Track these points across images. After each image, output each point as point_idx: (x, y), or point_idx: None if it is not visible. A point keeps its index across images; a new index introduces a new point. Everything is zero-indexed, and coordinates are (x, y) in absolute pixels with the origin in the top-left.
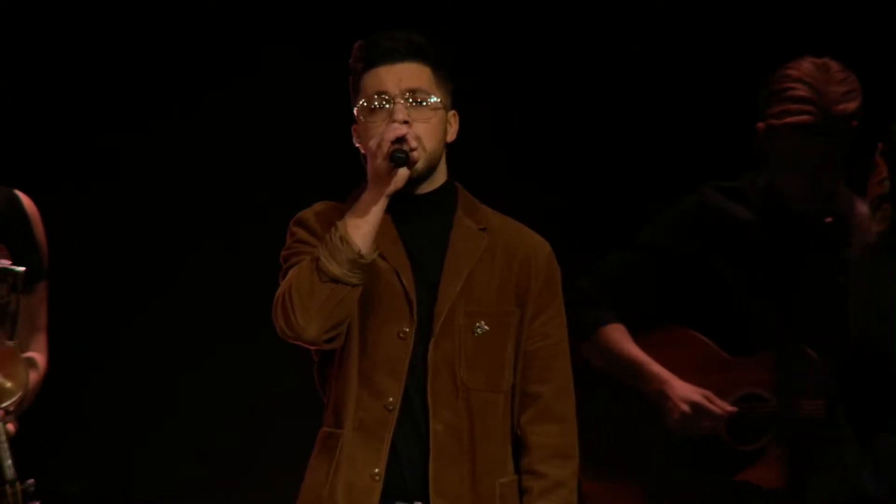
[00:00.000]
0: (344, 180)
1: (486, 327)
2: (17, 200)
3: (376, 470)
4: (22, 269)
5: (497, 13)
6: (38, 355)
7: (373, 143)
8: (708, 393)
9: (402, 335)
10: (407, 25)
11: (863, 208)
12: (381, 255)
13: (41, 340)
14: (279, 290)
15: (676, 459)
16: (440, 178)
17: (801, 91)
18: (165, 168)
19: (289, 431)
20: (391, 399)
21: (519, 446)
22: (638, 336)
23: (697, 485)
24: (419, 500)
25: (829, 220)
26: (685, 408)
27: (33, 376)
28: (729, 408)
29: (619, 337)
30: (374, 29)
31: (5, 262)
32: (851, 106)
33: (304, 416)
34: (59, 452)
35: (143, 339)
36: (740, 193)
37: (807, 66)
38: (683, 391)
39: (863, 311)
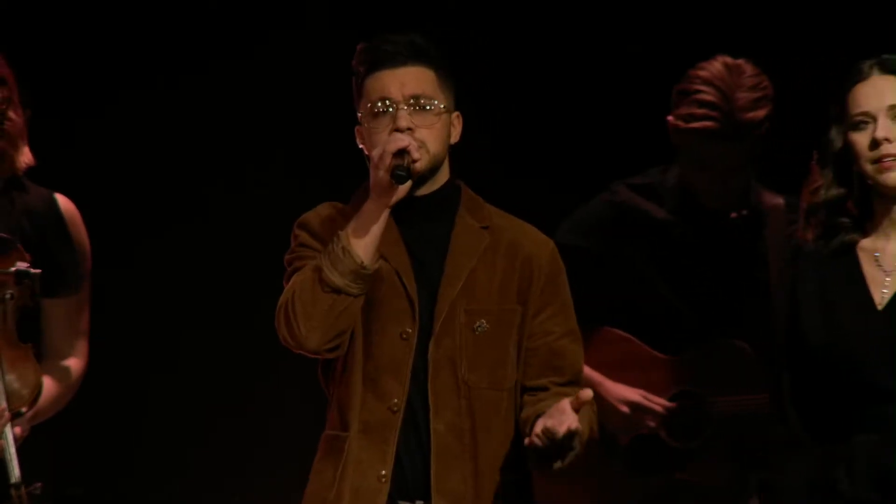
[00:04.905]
0: (326, 170)
1: (486, 326)
2: (54, 203)
3: (383, 472)
4: (38, 271)
5: (494, 13)
6: (75, 361)
7: (375, 154)
8: (643, 392)
9: (404, 336)
10: (404, 24)
11: (773, 200)
12: (383, 257)
13: (79, 345)
14: (281, 299)
15: (617, 458)
16: (442, 178)
17: (709, 96)
18: (147, 157)
19: (287, 432)
20: (395, 400)
21: (522, 446)
22: None
23: (639, 484)
24: (421, 500)
25: (737, 214)
26: (624, 408)
27: (61, 384)
28: (667, 404)
29: None
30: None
31: (23, 265)
32: (760, 114)
33: (301, 416)
34: (59, 455)
35: (135, 338)
36: (652, 191)
37: (717, 67)
38: (619, 392)
39: (809, 316)
